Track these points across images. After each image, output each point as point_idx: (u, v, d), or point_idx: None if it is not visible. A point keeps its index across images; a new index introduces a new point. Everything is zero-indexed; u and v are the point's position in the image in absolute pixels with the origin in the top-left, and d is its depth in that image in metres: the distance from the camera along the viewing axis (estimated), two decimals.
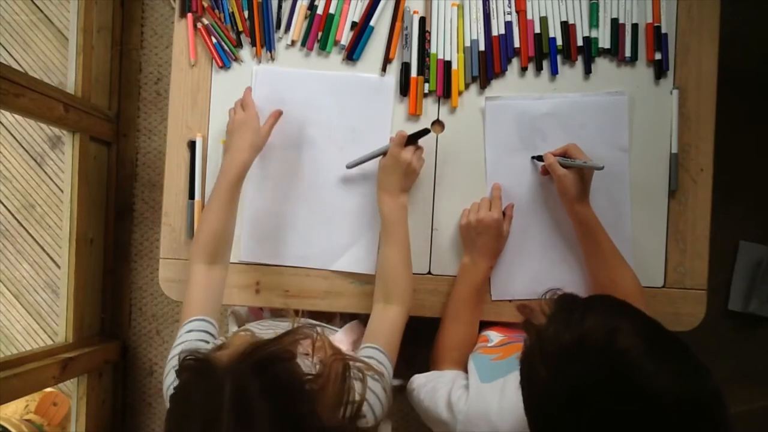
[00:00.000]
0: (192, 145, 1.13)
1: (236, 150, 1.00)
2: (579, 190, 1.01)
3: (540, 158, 1.08)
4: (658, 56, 1.10)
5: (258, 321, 1.16)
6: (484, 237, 1.06)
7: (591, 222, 1.02)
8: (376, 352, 0.92)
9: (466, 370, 0.98)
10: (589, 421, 0.58)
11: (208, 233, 0.97)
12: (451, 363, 1.03)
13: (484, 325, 1.12)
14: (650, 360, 0.58)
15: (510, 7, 1.11)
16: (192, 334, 0.87)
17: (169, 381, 0.83)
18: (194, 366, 0.65)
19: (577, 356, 0.60)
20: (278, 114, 1.07)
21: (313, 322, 1.02)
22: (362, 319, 1.17)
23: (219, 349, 0.70)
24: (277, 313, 1.22)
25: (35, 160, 1.83)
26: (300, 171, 1.13)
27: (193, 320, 0.89)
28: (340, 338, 1.05)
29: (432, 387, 0.95)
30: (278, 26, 1.13)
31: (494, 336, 1.06)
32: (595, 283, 1.06)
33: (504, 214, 1.09)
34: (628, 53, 1.11)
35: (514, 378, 0.81)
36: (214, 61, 1.13)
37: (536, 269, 1.11)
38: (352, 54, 1.12)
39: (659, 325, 0.63)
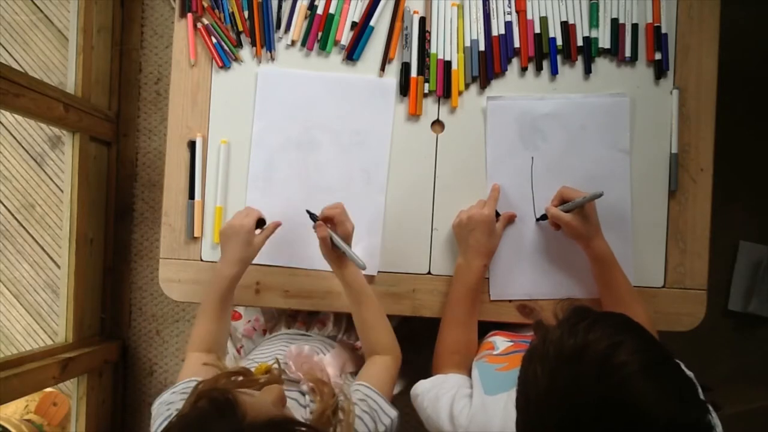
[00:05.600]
0: (192, 145, 1.13)
1: (227, 263, 1.00)
2: (589, 227, 1.01)
3: (544, 217, 1.08)
4: (658, 56, 1.10)
5: (258, 347, 1.15)
6: (476, 233, 1.05)
7: (607, 258, 1.02)
8: (368, 390, 0.91)
9: (469, 374, 0.97)
10: (574, 428, 0.58)
11: (204, 332, 1.00)
12: (453, 367, 1.02)
13: (489, 327, 1.11)
14: (645, 379, 0.57)
15: (510, 7, 1.11)
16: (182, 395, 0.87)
17: (161, 419, 0.84)
18: (218, 399, 0.64)
19: (575, 363, 0.60)
20: (276, 225, 1.06)
21: (305, 347, 0.99)
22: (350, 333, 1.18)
23: (246, 385, 0.70)
24: (272, 329, 1.22)
25: (35, 160, 1.83)
26: (302, 172, 1.13)
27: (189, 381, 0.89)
28: (329, 361, 1.03)
29: (435, 394, 0.94)
30: (278, 26, 1.13)
31: (500, 342, 1.04)
32: None
33: (498, 214, 1.09)
34: (628, 53, 1.11)
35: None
36: (214, 61, 1.13)
37: (535, 270, 1.11)
38: (352, 54, 1.12)
39: (664, 351, 0.62)
